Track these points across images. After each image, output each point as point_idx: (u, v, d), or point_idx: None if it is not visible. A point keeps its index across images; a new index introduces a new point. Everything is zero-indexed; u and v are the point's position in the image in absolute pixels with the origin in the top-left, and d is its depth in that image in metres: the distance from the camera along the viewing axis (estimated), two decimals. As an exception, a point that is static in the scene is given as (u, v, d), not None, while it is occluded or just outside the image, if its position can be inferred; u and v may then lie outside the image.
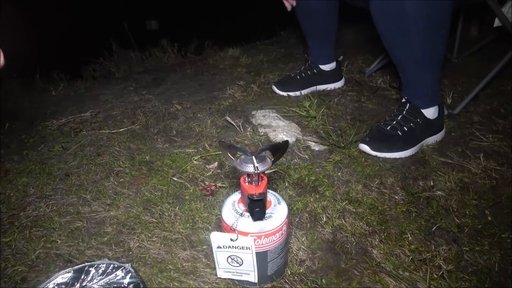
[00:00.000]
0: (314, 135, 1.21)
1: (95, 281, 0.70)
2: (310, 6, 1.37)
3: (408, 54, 1.06)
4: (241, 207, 0.68)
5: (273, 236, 0.66)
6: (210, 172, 1.05)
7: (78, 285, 0.69)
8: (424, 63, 1.07)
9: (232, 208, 0.68)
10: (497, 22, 1.32)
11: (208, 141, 1.18)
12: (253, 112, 1.34)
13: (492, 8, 1.26)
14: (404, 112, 1.13)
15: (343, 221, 0.87)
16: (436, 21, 0.99)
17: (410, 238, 0.82)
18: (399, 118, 1.13)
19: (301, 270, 0.75)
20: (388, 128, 1.11)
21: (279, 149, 0.68)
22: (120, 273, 0.71)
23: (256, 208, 0.63)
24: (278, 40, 2.14)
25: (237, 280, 0.72)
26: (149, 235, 0.85)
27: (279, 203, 0.70)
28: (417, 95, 1.13)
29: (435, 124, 1.15)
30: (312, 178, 1.01)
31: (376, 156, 1.09)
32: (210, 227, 0.87)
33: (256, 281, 0.70)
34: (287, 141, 0.70)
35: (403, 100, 1.15)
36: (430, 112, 1.13)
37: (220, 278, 0.73)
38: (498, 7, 1.27)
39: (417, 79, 1.11)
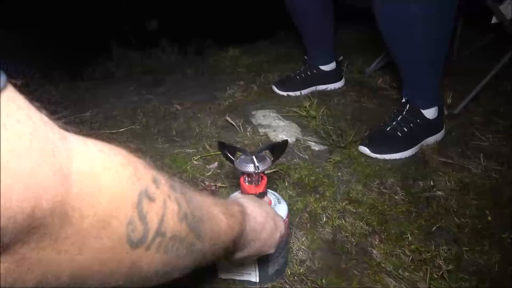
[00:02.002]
0: (314, 135, 1.21)
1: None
2: (302, 7, 1.37)
3: (411, 55, 1.06)
4: (241, 207, 0.68)
5: (273, 236, 0.66)
6: (210, 172, 1.04)
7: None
8: (426, 64, 1.08)
9: (232, 208, 0.68)
10: (494, 19, 1.32)
11: (208, 141, 1.18)
12: (253, 112, 1.34)
13: (490, 7, 1.26)
14: (404, 112, 1.13)
15: (343, 221, 0.87)
16: (440, 21, 0.99)
17: (410, 238, 0.82)
18: (399, 118, 1.13)
19: (301, 270, 0.75)
20: (388, 129, 1.11)
21: (278, 148, 0.68)
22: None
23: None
24: (278, 40, 2.13)
25: (238, 280, 0.72)
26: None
27: (279, 202, 0.70)
28: (419, 95, 1.13)
29: (434, 124, 1.15)
30: (312, 178, 1.01)
31: (376, 157, 1.09)
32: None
33: (258, 281, 0.71)
34: (286, 140, 0.70)
35: (403, 100, 1.15)
36: (430, 113, 1.13)
37: (220, 278, 0.73)
38: (496, 6, 1.27)
39: (419, 80, 1.11)
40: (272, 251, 0.58)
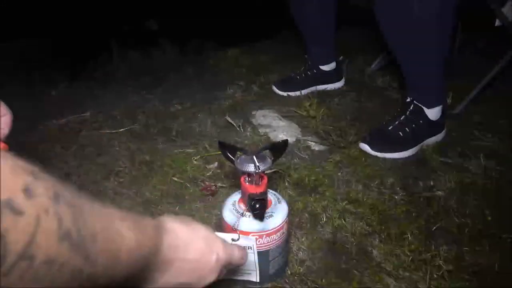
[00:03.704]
0: (314, 135, 1.21)
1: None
2: (305, 7, 1.37)
3: (414, 53, 1.06)
4: (242, 207, 0.68)
5: (274, 235, 0.66)
6: (210, 172, 1.04)
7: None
8: (430, 62, 1.08)
9: (232, 208, 0.68)
10: (497, 22, 1.32)
11: (208, 141, 1.18)
12: (253, 112, 1.34)
13: (492, 8, 1.26)
14: (407, 112, 1.13)
15: (343, 221, 0.87)
16: (441, 19, 1.00)
17: (410, 238, 0.82)
18: (401, 118, 1.12)
19: (301, 270, 0.75)
20: (390, 128, 1.11)
21: (278, 148, 0.68)
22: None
23: (257, 207, 0.63)
24: (278, 40, 2.13)
25: (238, 280, 0.72)
26: (149, 235, 0.85)
27: (279, 202, 0.70)
28: (423, 94, 1.13)
29: (436, 125, 1.15)
30: (312, 178, 1.01)
31: (376, 156, 1.09)
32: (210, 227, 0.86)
33: (258, 280, 0.70)
34: (286, 140, 0.70)
35: (408, 100, 1.15)
36: (434, 113, 1.13)
37: (221, 278, 0.73)
38: (498, 7, 1.27)
39: (423, 78, 1.11)
40: (211, 279, 0.49)
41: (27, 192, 0.27)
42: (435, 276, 0.74)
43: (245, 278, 0.71)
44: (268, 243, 0.66)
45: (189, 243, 0.46)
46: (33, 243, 0.26)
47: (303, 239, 0.82)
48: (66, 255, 0.29)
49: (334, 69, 1.50)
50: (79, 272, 0.31)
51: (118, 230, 0.36)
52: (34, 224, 0.26)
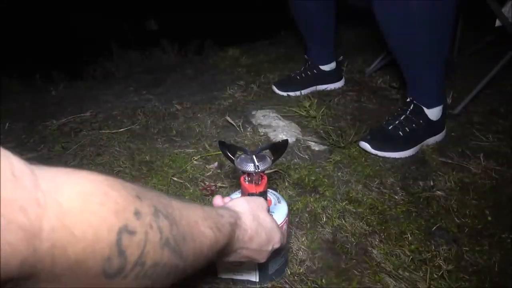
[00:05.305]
0: (314, 135, 1.21)
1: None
2: (305, 8, 1.37)
3: (414, 53, 1.06)
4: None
5: (273, 236, 0.66)
6: (210, 172, 1.04)
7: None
8: (430, 62, 1.08)
9: (232, 208, 0.68)
10: (498, 23, 1.32)
11: (208, 141, 1.18)
12: (253, 112, 1.34)
13: (492, 8, 1.26)
14: (408, 112, 1.13)
15: (343, 221, 0.87)
16: (441, 18, 0.99)
17: (410, 238, 0.82)
18: (401, 118, 1.12)
19: (301, 270, 0.75)
20: (390, 127, 1.11)
21: (279, 148, 0.68)
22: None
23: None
24: (278, 40, 2.13)
25: (238, 280, 0.72)
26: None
27: (279, 202, 0.70)
28: (423, 94, 1.12)
29: (437, 125, 1.15)
30: (312, 178, 1.01)
31: (376, 156, 1.09)
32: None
33: (258, 280, 0.71)
34: (286, 140, 0.70)
35: (408, 100, 1.15)
36: (434, 113, 1.13)
37: (220, 278, 0.73)
38: (498, 7, 1.27)
39: (423, 78, 1.11)
40: (262, 261, 0.59)
41: (137, 215, 0.33)
42: (435, 276, 0.74)
43: (245, 278, 0.71)
44: (268, 243, 0.66)
45: (254, 236, 0.55)
46: (143, 253, 0.33)
47: (303, 239, 0.82)
48: (166, 258, 0.36)
49: (334, 69, 1.50)
50: (176, 268, 0.38)
51: (201, 231, 0.43)
52: (144, 239, 0.33)
